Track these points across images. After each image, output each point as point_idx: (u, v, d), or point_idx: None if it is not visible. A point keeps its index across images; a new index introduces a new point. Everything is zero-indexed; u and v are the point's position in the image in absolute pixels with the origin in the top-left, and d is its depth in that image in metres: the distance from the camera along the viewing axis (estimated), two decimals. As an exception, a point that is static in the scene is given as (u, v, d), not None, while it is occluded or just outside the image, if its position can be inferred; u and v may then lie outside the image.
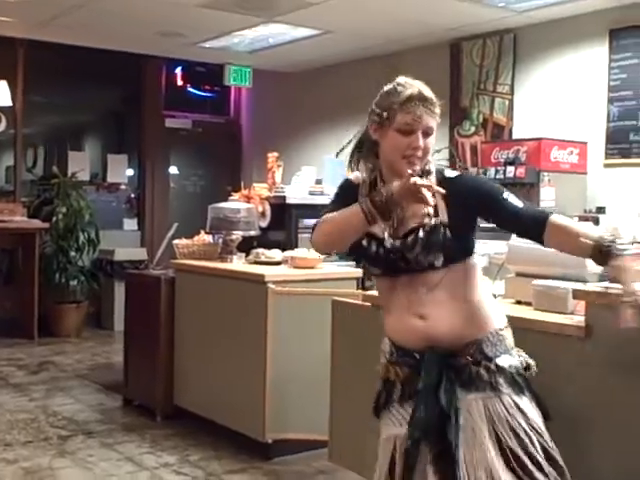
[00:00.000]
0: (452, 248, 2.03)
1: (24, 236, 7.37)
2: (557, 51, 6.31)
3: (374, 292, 3.53)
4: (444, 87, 7.04)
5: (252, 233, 4.93)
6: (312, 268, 4.46)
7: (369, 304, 3.19)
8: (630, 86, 5.78)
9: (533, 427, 2.00)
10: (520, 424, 1.98)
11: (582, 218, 5.06)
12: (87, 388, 5.61)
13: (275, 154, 5.56)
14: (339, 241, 2.10)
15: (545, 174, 5.46)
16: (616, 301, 1.91)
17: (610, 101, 5.90)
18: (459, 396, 2.00)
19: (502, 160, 5.70)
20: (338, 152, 2.44)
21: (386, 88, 2.12)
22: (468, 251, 2.10)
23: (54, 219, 7.54)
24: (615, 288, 2.07)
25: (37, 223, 7.45)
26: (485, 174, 5.77)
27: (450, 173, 2.12)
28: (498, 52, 6.71)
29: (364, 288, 4.50)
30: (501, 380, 2.02)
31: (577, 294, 2.48)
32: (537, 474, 1.95)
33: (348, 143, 2.26)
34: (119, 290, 7.13)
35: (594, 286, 2.43)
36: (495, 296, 2.62)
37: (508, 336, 2.10)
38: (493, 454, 1.95)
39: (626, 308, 1.82)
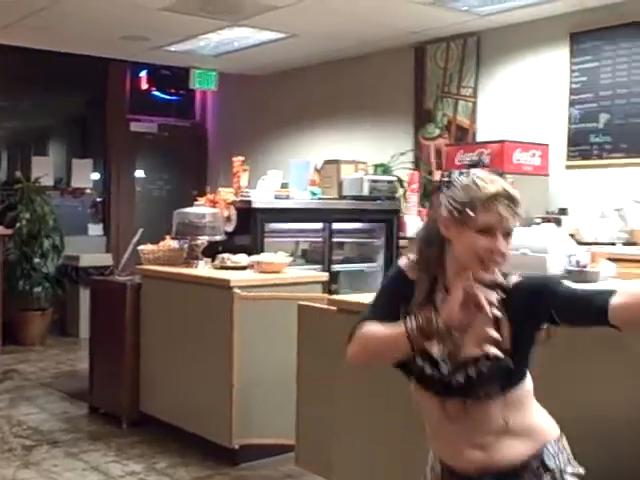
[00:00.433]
0: (513, 377, 1.84)
1: (-13, 243, 7.27)
2: (519, 54, 6.39)
3: (340, 296, 3.55)
4: (409, 90, 7.09)
5: (218, 238, 4.91)
6: (278, 273, 4.46)
7: (334, 308, 3.19)
8: (590, 89, 5.87)
9: None
10: None
11: (545, 219, 5.14)
12: (52, 396, 5.53)
13: (240, 158, 5.55)
14: (377, 360, 1.95)
15: (508, 176, 5.45)
16: None
17: (571, 104, 5.98)
18: None
19: (466, 162, 5.75)
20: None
21: (462, 181, 1.84)
22: (525, 373, 1.90)
23: (17, 225, 7.43)
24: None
25: (0, 229, 7.34)
26: (449, 176, 5.82)
27: (514, 278, 1.85)
28: (462, 55, 6.77)
29: (330, 292, 4.52)
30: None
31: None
32: None
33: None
34: (84, 297, 7.05)
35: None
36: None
37: (566, 445, 1.94)
38: None
39: None
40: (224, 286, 4.15)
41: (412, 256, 1.94)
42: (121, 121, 9.17)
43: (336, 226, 5.63)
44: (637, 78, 5.59)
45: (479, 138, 6.55)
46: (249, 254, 4.70)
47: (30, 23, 6.56)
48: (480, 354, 1.79)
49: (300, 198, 5.45)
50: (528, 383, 1.90)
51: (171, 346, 4.58)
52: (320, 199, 5.62)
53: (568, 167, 5.98)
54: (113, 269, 5.78)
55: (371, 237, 5.93)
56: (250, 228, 5.13)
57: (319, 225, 5.53)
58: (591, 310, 1.72)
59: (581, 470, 1.89)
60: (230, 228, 5.16)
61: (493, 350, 1.75)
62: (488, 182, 1.81)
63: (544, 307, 1.80)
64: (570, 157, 5.96)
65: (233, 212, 5.18)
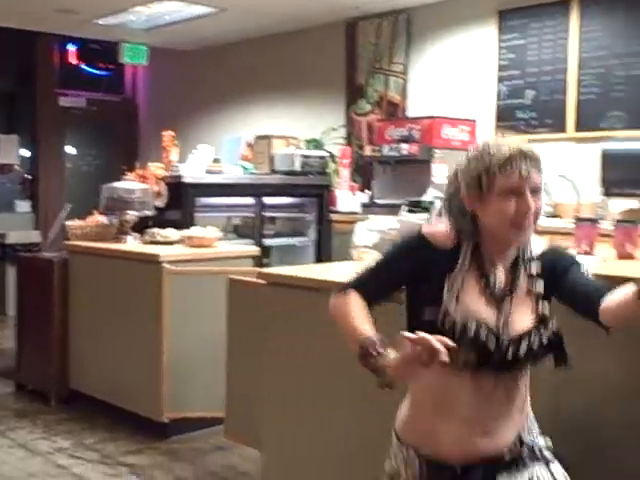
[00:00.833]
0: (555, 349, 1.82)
1: None
2: (449, 31, 6.46)
3: (270, 269, 3.55)
4: (340, 66, 7.11)
5: (147, 213, 4.86)
6: (209, 247, 4.45)
7: (264, 282, 3.20)
8: (517, 66, 5.98)
9: None
10: None
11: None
12: (-22, 375, 5.43)
13: (170, 133, 5.49)
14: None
15: (437, 151, 5.61)
16: None
17: (499, 80, 6.09)
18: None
19: (396, 138, 5.82)
20: None
21: (472, 153, 1.78)
22: None
23: (-59, 202, 7.23)
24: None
25: None
26: (380, 152, 5.89)
27: (540, 247, 1.84)
28: (393, 32, 6.81)
29: (262, 266, 4.53)
30: (546, 454, 1.87)
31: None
32: None
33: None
34: (11, 274, 6.89)
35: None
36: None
37: (534, 420, 1.91)
38: None
39: None
40: (153, 261, 4.12)
41: (441, 226, 1.86)
42: (50, 96, 8.96)
43: (268, 201, 5.63)
44: (561, 56, 5.72)
45: (410, 114, 6.62)
46: (179, 229, 4.68)
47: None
48: (530, 328, 1.77)
49: (231, 173, 5.43)
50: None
51: (100, 322, 4.54)
52: (252, 174, 5.61)
53: (496, 142, 6.09)
54: (41, 246, 5.68)
55: (302, 212, 5.95)
56: (181, 203, 5.09)
57: (251, 200, 5.52)
58: (586, 304, 1.73)
59: (550, 443, 1.89)
60: (161, 203, 5.11)
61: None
62: (499, 146, 1.75)
63: (553, 283, 1.80)
64: (498, 132, 6.07)
65: (163, 187, 5.12)
